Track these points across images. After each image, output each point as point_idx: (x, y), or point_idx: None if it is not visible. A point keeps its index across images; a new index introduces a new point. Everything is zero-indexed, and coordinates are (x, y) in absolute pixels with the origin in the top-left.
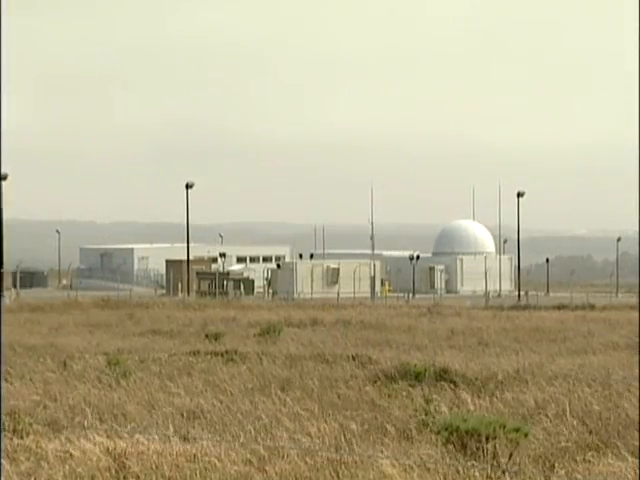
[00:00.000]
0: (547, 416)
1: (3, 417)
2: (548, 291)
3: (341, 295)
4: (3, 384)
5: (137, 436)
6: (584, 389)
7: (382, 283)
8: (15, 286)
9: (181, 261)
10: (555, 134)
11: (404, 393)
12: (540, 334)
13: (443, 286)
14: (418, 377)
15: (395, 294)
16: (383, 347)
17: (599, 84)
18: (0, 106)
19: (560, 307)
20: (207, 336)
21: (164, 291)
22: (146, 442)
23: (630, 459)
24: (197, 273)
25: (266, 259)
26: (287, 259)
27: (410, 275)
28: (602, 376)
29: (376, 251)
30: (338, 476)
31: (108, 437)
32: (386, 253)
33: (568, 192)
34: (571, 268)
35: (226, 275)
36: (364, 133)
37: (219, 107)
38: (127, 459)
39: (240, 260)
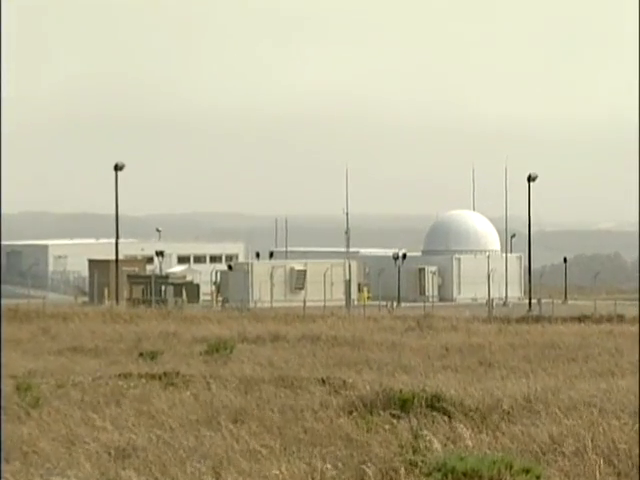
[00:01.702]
0: (564, 454)
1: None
2: (566, 298)
3: (308, 304)
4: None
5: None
6: (610, 421)
7: (359, 288)
8: None
9: (108, 261)
10: (575, 105)
11: (387, 426)
12: (556, 352)
13: (435, 292)
14: (404, 406)
15: (376, 302)
16: (361, 368)
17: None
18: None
19: (581, 318)
20: (141, 355)
21: (87, 299)
22: None
23: None
24: (128, 276)
25: (214, 259)
26: (241, 259)
27: (394, 279)
28: (633, 405)
29: (352, 249)
30: None
31: None
32: (364, 251)
33: (590, 177)
34: (594, 270)
35: (165, 279)
36: (335, 102)
37: (149, 69)
38: None
39: (182, 260)
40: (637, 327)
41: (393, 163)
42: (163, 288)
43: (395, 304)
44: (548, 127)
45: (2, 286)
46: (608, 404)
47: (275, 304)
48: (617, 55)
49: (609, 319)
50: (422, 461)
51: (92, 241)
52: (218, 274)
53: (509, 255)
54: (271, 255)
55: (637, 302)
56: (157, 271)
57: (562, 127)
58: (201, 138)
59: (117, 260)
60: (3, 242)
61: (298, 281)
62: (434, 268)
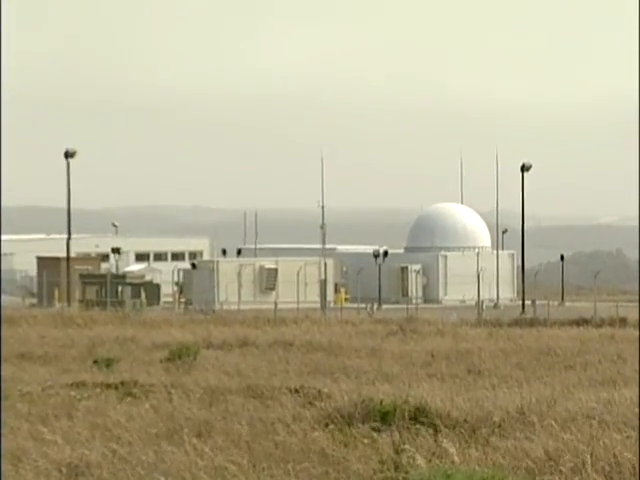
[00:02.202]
0: (561, 472)
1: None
2: (563, 300)
3: (280, 306)
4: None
5: None
6: (612, 435)
7: (336, 289)
8: None
9: (59, 259)
10: (571, 86)
11: (366, 440)
12: (552, 359)
13: (420, 293)
14: (386, 418)
15: (354, 304)
16: (338, 377)
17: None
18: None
19: (580, 322)
20: (95, 362)
21: (35, 300)
22: None
23: None
24: (81, 275)
25: (177, 256)
26: (205, 256)
27: (375, 278)
28: (636, 417)
29: (328, 245)
30: None
31: None
32: (342, 248)
33: (590, 166)
34: (594, 268)
35: (121, 278)
36: (310, 84)
37: (102, 45)
38: None
39: (141, 258)
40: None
41: (373, 151)
42: (120, 289)
43: (375, 306)
44: (543, 111)
45: None
46: (609, 416)
47: (243, 306)
48: (616, 30)
49: (610, 323)
50: (404, 478)
51: (41, 237)
52: (180, 273)
53: (501, 252)
54: (239, 252)
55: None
56: (113, 270)
57: (558, 111)
58: (162, 123)
59: (69, 258)
60: None
61: (269, 281)
62: (418, 267)
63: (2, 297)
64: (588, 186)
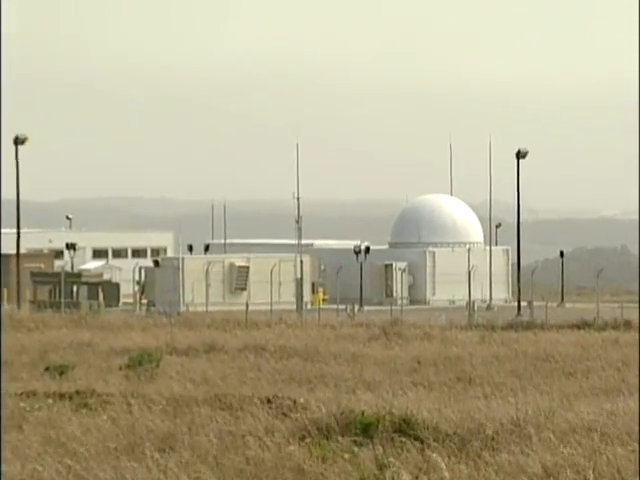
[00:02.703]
0: None
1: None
2: (563, 301)
3: (252, 307)
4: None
5: None
6: (615, 449)
7: (314, 289)
8: None
9: (7, 256)
10: (569, 65)
11: (347, 455)
12: (551, 365)
13: (405, 293)
14: (368, 430)
15: (333, 305)
16: (315, 385)
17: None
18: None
19: (581, 325)
20: (48, 369)
21: None
22: None
23: None
24: (32, 274)
25: (138, 253)
26: (169, 253)
27: (356, 277)
28: None
29: (305, 241)
30: None
31: None
32: (320, 243)
33: (591, 153)
34: (597, 266)
35: (77, 277)
36: (283, 63)
37: (57, 25)
38: None
39: (98, 254)
40: None
41: (354, 138)
42: (75, 289)
43: (356, 308)
44: (540, 93)
45: None
46: (613, 428)
47: (211, 307)
48: (616, 8)
49: (614, 326)
50: None
51: None
52: (142, 271)
53: (494, 248)
54: (206, 248)
55: None
56: (67, 268)
57: (557, 93)
58: (122, 107)
59: (18, 254)
60: None
61: (239, 280)
62: (403, 264)
63: None
64: (589, 175)
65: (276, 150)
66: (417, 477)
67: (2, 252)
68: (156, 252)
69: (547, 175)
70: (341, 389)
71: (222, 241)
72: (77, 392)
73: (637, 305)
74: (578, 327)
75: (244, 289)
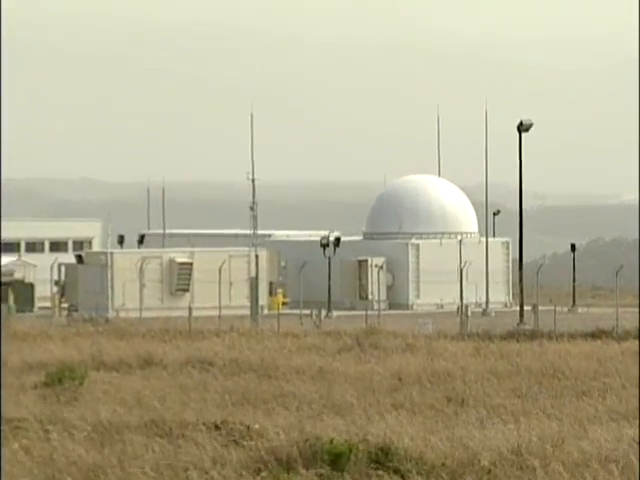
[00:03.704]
0: None
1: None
2: (575, 304)
3: (196, 313)
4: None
5: None
6: None
7: (272, 290)
8: None
9: None
10: (583, 20)
11: None
12: (560, 383)
13: (383, 295)
14: (337, 462)
15: (296, 310)
16: (273, 407)
17: None
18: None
19: (597, 334)
20: None
21: None
22: None
23: None
24: None
25: (57, 246)
26: (96, 246)
27: (323, 275)
28: None
29: (261, 231)
30: None
31: None
32: (279, 234)
33: (610, 125)
34: (616, 262)
35: None
36: (243, 15)
37: None
38: None
39: (8, 248)
40: None
41: (322, 107)
42: None
43: (324, 313)
44: (545, 53)
45: None
46: (634, 459)
47: (146, 313)
48: None
49: (637, 335)
50: None
51: None
52: (62, 269)
53: (491, 241)
54: (141, 241)
55: None
56: None
57: (566, 53)
58: (34, 67)
59: None
60: None
61: (181, 279)
62: (381, 260)
63: None
64: (606, 153)
65: (227, 122)
66: None
67: None
68: (79, 245)
69: (556, 152)
70: (305, 412)
71: (160, 232)
72: None
73: None
74: (593, 336)
75: (186, 290)
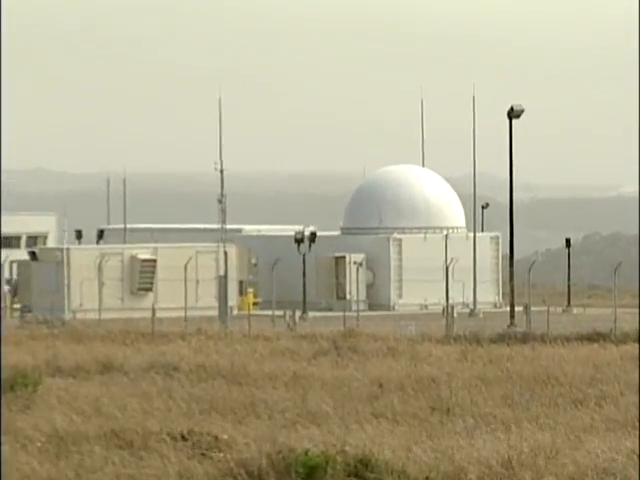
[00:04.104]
0: None
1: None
2: (570, 304)
3: (160, 314)
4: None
5: None
6: None
7: (242, 289)
8: None
9: None
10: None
11: None
12: (554, 390)
13: (363, 295)
14: (313, 475)
15: (268, 311)
16: (244, 416)
17: None
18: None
19: (594, 337)
20: None
21: None
22: None
23: None
24: None
25: (9, 242)
26: (51, 242)
27: (297, 273)
28: None
29: (230, 225)
30: None
31: None
32: (251, 229)
33: (605, 112)
34: (614, 258)
35: None
36: None
37: None
38: None
39: None
40: None
41: (295, 92)
42: None
43: (298, 314)
44: (539, 32)
45: None
46: (635, 472)
47: (106, 314)
48: None
49: (637, 338)
50: None
51: None
52: (14, 266)
53: (479, 236)
54: (100, 236)
55: None
56: None
57: (561, 30)
58: None
59: None
60: None
61: (143, 278)
62: (360, 256)
63: None
64: (604, 141)
65: (194, 107)
66: None
67: None
68: (33, 241)
69: (549, 140)
70: (278, 421)
71: (121, 226)
72: None
73: None
74: (590, 339)
75: (150, 290)
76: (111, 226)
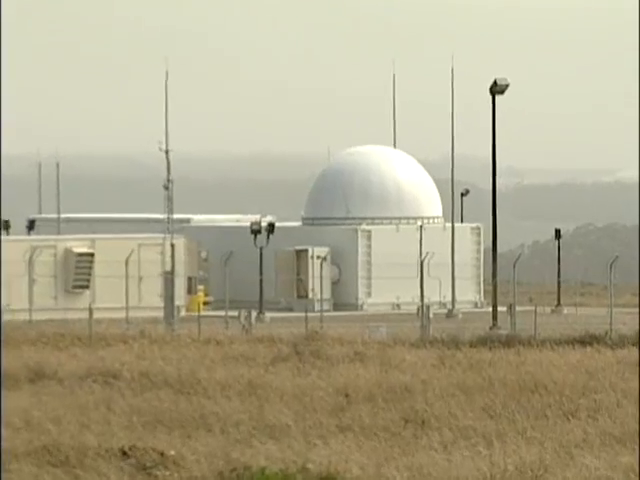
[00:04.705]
0: None
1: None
2: (560, 304)
3: (98, 314)
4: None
5: None
6: None
7: (191, 287)
8: None
9: None
10: None
11: None
12: (542, 400)
13: (327, 294)
14: None
15: (220, 312)
16: (193, 431)
17: None
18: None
19: (587, 340)
20: None
21: None
22: None
23: None
24: None
25: None
26: None
27: (253, 269)
28: None
29: (178, 215)
30: None
31: None
32: (201, 219)
33: (601, 87)
34: (610, 251)
35: None
36: None
37: None
38: None
39: None
40: None
41: (250, 63)
42: None
43: (254, 314)
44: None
45: None
46: None
47: (37, 315)
48: None
49: (635, 341)
50: None
51: None
52: None
53: (458, 226)
54: (31, 226)
55: None
56: None
57: None
58: None
59: None
60: None
61: (79, 274)
62: (324, 250)
63: None
64: (599, 120)
65: (136, 81)
66: None
67: None
68: None
69: (537, 119)
70: (231, 436)
71: (54, 216)
72: None
73: None
74: (582, 343)
75: (86, 287)
76: (43, 215)
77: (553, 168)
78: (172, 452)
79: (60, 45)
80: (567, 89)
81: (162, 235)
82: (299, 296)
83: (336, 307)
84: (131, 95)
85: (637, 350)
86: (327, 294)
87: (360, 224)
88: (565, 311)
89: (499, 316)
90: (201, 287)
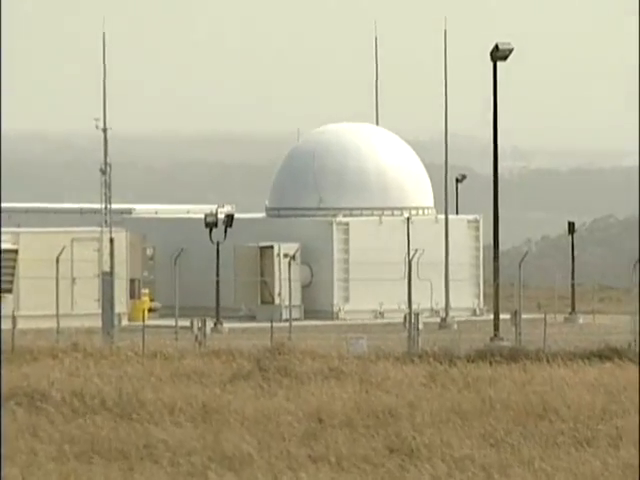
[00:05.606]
0: None
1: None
2: (574, 311)
3: (23, 323)
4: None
5: None
6: None
7: (134, 290)
8: None
9: None
10: None
11: None
12: (552, 426)
13: (297, 299)
14: None
15: (169, 320)
16: (136, 463)
17: None
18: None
19: (605, 354)
20: None
21: None
22: None
23: None
24: None
25: None
26: None
27: (209, 269)
28: None
29: (118, 205)
30: None
31: None
32: (145, 209)
33: (620, 53)
34: (633, 250)
35: None
36: None
37: None
38: None
39: None
40: None
41: (205, 28)
42: None
43: (210, 324)
44: None
45: None
46: None
47: None
48: None
49: None
50: None
51: None
52: None
53: (453, 219)
54: None
55: None
56: None
57: None
58: None
59: None
60: None
61: (1, 275)
62: (293, 247)
63: None
64: (619, 92)
65: (70, 52)
66: None
67: None
68: None
69: (546, 90)
70: (183, 468)
71: None
72: None
73: None
74: (601, 357)
75: (9, 291)
76: None
77: (565, 150)
78: None
79: None
80: (581, 54)
81: (99, 228)
82: (263, 302)
83: (307, 315)
84: (65, 66)
85: None
86: (296, 299)
87: (335, 216)
88: (580, 320)
89: (501, 325)
90: (146, 291)
